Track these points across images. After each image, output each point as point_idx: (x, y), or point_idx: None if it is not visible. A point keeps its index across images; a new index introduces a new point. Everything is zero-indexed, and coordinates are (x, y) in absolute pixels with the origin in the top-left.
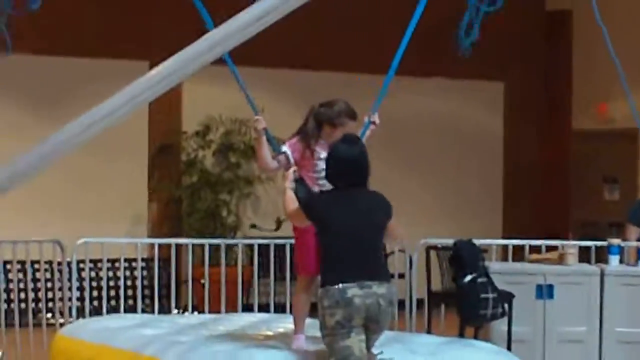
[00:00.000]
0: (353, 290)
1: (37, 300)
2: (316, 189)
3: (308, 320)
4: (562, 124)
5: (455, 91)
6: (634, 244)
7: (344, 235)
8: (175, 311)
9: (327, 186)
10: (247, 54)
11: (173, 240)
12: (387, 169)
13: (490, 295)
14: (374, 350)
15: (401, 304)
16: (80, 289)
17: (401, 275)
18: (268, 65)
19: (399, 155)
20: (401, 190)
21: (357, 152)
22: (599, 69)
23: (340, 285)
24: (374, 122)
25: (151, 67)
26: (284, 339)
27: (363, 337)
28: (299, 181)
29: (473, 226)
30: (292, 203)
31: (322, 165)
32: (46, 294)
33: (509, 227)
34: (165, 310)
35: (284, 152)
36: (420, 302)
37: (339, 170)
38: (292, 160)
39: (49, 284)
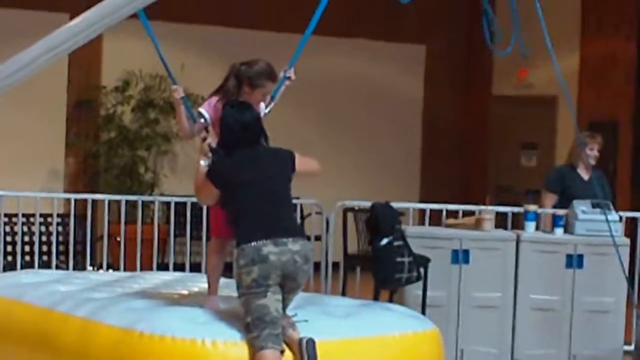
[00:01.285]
0: (268, 248)
1: None
2: None
3: (224, 281)
4: (482, 88)
5: (377, 53)
6: (551, 211)
7: (252, 193)
8: (90, 268)
9: None
10: (168, 10)
11: (89, 196)
12: (305, 129)
13: (406, 259)
14: (289, 312)
15: (317, 266)
16: None
17: (317, 238)
18: (189, 21)
19: (317, 116)
20: (319, 152)
21: (249, 117)
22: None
23: (255, 243)
24: (289, 78)
25: (71, 18)
26: (199, 298)
27: (279, 296)
28: (215, 153)
29: (390, 189)
30: (202, 178)
31: None
32: None
33: (426, 191)
34: (80, 267)
35: (202, 116)
36: (335, 265)
37: (233, 135)
38: (209, 121)
39: None
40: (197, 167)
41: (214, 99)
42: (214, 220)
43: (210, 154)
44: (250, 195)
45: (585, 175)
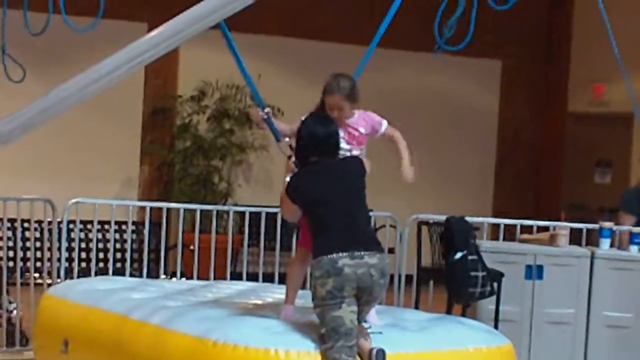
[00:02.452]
0: (344, 260)
1: (25, 259)
2: None
3: (301, 292)
4: (558, 105)
5: (453, 67)
6: (627, 228)
7: (328, 208)
8: (163, 276)
9: None
10: (245, 21)
11: (165, 204)
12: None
13: (480, 274)
14: (365, 324)
15: (390, 278)
16: (69, 249)
17: (391, 250)
18: (266, 32)
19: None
20: (392, 166)
21: (323, 130)
22: (597, 51)
23: (331, 255)
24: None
25: (149, 29)
26: (272, 308)
27: (355, 308)
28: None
29: (464, 204)
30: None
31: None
32: (35, 254)
33: (499, 206)
34: (153, 275)
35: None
36: (409, 278)
37: (312, 147)
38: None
39: (38, 244)
40: (284, 184)
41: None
42: (303, 229)
43: (295, 169)
44: (326, 211)
45: None
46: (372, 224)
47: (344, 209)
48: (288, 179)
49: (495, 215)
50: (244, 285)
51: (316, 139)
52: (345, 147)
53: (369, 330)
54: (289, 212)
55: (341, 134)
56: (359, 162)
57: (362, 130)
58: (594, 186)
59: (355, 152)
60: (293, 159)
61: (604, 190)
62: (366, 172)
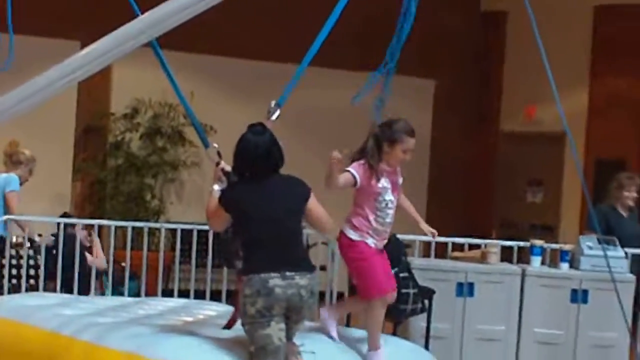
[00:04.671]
0: (274, 281)
1: None
2: (373, 223)
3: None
4: (490, 124)
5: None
6: (556, 246)
7: (263, 223)
8: (94, 293)
9: (387, 220)
10: (178, 40)
11: (96, 222)
12: (309, 158)
13: (411, 291)
14: (297, 342)
15: (322, 295)
16: None
17: (323, 268)
18: (199, 51)
19: (321, 145)
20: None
21: (266, 140)
22: (530, 72)
23: (262, 274)
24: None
25: (82, 47)
26: (203, 325)
27: (283, 326)
28: (229, 178)
29: (396, 221)
30: (215, 204)
31: (385, 196)
32: None
33: (432, 224)
34: (84, 292)
35: (350, 172)
36: (340, 295)
37: (249, 159)
38: (357, 180)
39: None
40: (210, 192)
41: (359, 162)
42: (371, 280)
43: (224, 179)
44: (261, 228)
45: (624, 213)
46: (305, 241)
47: (279, 229)
48: (216, 186)
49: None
50: (175, 302)
51: (259, 152)
52: (391, 199)
53: (301, 349)
54: (218, 221)
55: (388, 184)
56: (303, 185)
57: (400, 180)
58: (526, 204)
59: (396, 204)
60: (222, 165)
61: (536, 209)
62: (309, 196)
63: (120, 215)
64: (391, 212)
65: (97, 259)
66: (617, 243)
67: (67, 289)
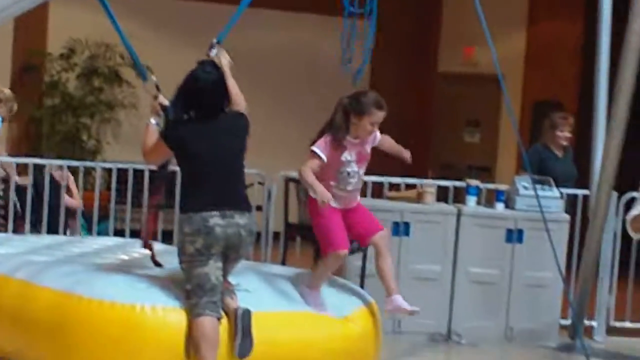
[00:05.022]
0: (215, 220)
1: None
2: (333, 189)
3: (163, 247)
4: (428, 65)
5: (321, 26)
6: (492, 186)
7: (208, 162)
8: (30, 232)
9: (347, 188)
10: None
11: (31, 160)
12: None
13: None
14: (232, 281)
15: (257, 236)
16: None
17: (259, 208)
18: None
19: (260, 87)
20: (261, 123)
21: (216, 78)
22: (468, 13)
23: (203, 213)
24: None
25: None
26: (138, 264)
27: (220, 264)
28: (166, 111)
29: None
30: (152, 137)
31: (346, 168)
32: None
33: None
34: (19, 230)
35: (315, 153)
36: (276, 235)
37: (197, 95)
38: (324, 159)
39: None
40: (147, 125)
41: (327, 137)
42: (326, 235)
43: (161, 113)
44: (204, 166)
45: (559, 153)
46: None
47: (221, 167)
48: (152, 120)
49: (366, 173)
50: (111, 240)
51: (202, 89)
52: (354, 170)
53: (236, 288)
54: (155, 156)
55: (352, 156)
56: (245, 120)
57: (368, 149)
58: (463, 145)
59: (361, 172)
60: (160, 99)
61: (473, 150)
62: (249, 132)
63: (56, 155)
64: (353, 180)
65: (74, 199)
66: (552, 183)
67: (48, 230)
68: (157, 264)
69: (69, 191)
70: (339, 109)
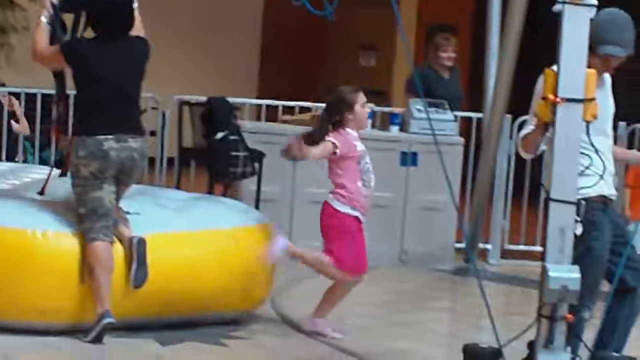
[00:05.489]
0: (109, 143)
1: None
2: (362, 190)
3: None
4: None
5: None
6: (387, 109)
7: (106, 84)
8: None
9: (372, 184)
10: None
11: None
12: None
13: (241, 154)
14: (123, 206)
15: (152, 161)
16: None
17: (153, 133)
18: None
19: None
20: (156, 48)
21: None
22: None
23: (98, 136)
24: None
25: None
26: (30, 189)
27: (114, 188)
28: (59, 18)
29: (229, 85)
30: (44, 38)
31: (366, 159)
32: None
33: (265, 88)
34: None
35: (330, 141)
36: (171, 160)
37: (102, 14)
38: (339, 149)
39: None
40: (38, 23)
41: (336, 132)
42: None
43: (51, 10)
44: (104, 89)
45: (444, 74)
46: None
47: (120, 91)
48: (43, 18)
49: (260, 97)
50: (2, 165)
51: (111, 8)
52: (368, 162)
53: (126, 212)
54: (46, 61)
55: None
56: (147, 45)
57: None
58: (359, 69)
59: None
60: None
61: (369, 73)
62: (149, 58)
63: None
64: (373, 175)
65: (21, 126)
66: (447, 106)
67: None
68: (41, 192)
69: (15, 117)
70: (324, 123)
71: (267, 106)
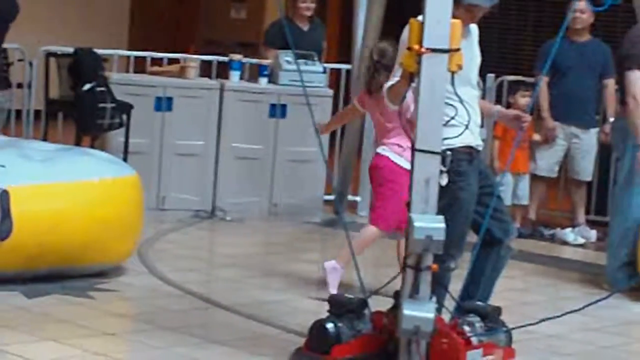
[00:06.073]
0: None
1: None
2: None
3: None
4: None
5: None
6: (256, 61)
7: None
8: None
9: None
10: None
11: None
12: None
13: (109, 105)
14: None
15: (18, 113)
16: None
17: (19, 85)
18: None
19: None
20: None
21: None
22: None
23: None
24: None
25: None
26: None
27: None
28: None
29: (97, 36)
30: None
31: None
32: None
33: (136, 41)
34: None
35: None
36: (38, 113)
37: None
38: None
39: None
40: None
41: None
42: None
43: None
44: None
45: (303, 26)
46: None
47: None
48: None
49: (131, 49)
50: None
51: None
52: None
53: None
54: None
55: None
56: (17, 6)
57: None
58: (229, 21)
59: None
60: None
61: (240, 25)
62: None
63: None
64: None
65: None
66: (316, 58)
67: None
68: None
69: None
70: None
71: (136, 58)
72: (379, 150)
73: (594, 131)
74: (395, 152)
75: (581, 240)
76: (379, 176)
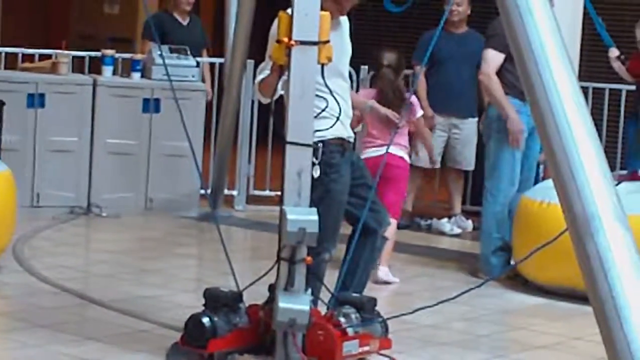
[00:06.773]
0: None
1: None
2: None
3: None
4: None
5: None
6: (128, 55)
7: None
8: None
9: None
10: None
11: None
12: None
13: None
14: None
15: None
16: None
17: None
18: None
19: None
20: None
21: None
22: None
23: None
24: None
25: None
26: None
27: None
28: None
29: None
30: None
31: None
32: None
33: (7, 36)
34: None
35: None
36: None
37: None
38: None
39: None
40: None
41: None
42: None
43: None
44: None
45: (182, 20)
46: None
47: None
48: None
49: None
50: None
51: None
52: None
53: None
54: None
55: None
56: None
57: None
58: (102, 16)
59: None
60: None
61: (113, 21)
62: None
63: None
64: None
65: None
66: (188, 52)
67: None
68: None
69: None
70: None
71: (7, 54)
72: (393, 150)
73: (473, 121)
74: (407, 153)
75: (458, 230)
76: (398, 174)
